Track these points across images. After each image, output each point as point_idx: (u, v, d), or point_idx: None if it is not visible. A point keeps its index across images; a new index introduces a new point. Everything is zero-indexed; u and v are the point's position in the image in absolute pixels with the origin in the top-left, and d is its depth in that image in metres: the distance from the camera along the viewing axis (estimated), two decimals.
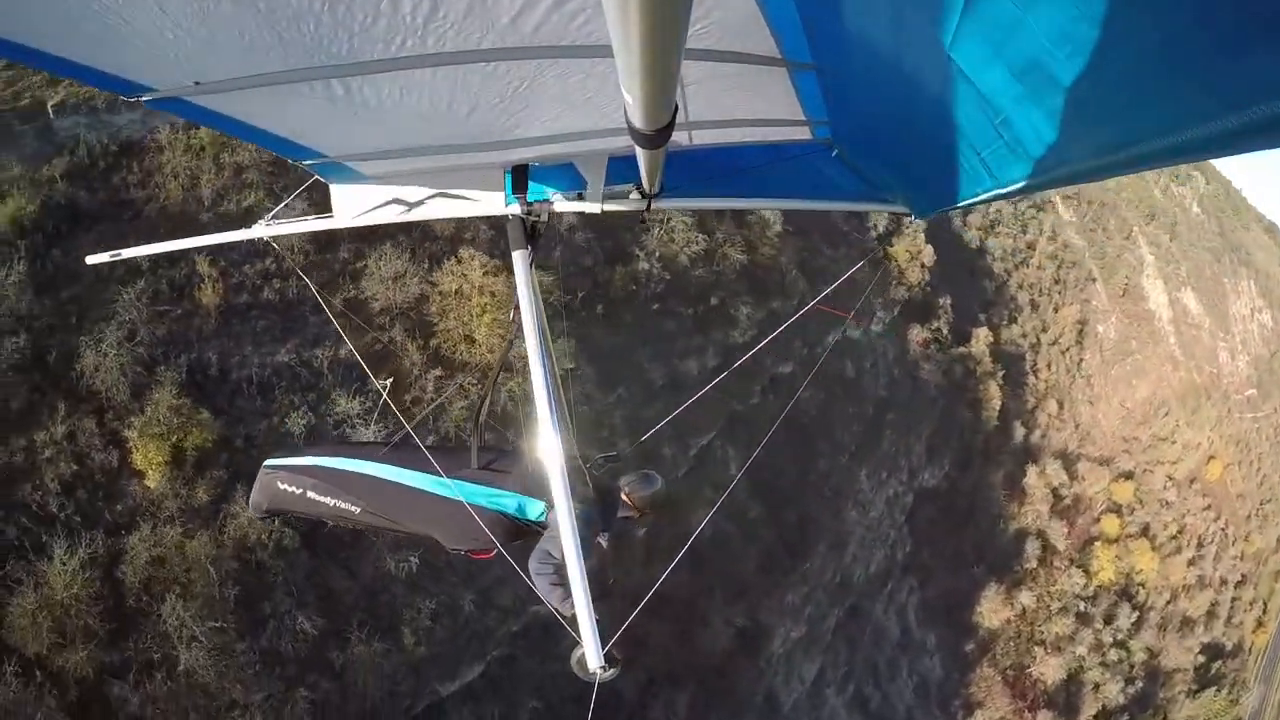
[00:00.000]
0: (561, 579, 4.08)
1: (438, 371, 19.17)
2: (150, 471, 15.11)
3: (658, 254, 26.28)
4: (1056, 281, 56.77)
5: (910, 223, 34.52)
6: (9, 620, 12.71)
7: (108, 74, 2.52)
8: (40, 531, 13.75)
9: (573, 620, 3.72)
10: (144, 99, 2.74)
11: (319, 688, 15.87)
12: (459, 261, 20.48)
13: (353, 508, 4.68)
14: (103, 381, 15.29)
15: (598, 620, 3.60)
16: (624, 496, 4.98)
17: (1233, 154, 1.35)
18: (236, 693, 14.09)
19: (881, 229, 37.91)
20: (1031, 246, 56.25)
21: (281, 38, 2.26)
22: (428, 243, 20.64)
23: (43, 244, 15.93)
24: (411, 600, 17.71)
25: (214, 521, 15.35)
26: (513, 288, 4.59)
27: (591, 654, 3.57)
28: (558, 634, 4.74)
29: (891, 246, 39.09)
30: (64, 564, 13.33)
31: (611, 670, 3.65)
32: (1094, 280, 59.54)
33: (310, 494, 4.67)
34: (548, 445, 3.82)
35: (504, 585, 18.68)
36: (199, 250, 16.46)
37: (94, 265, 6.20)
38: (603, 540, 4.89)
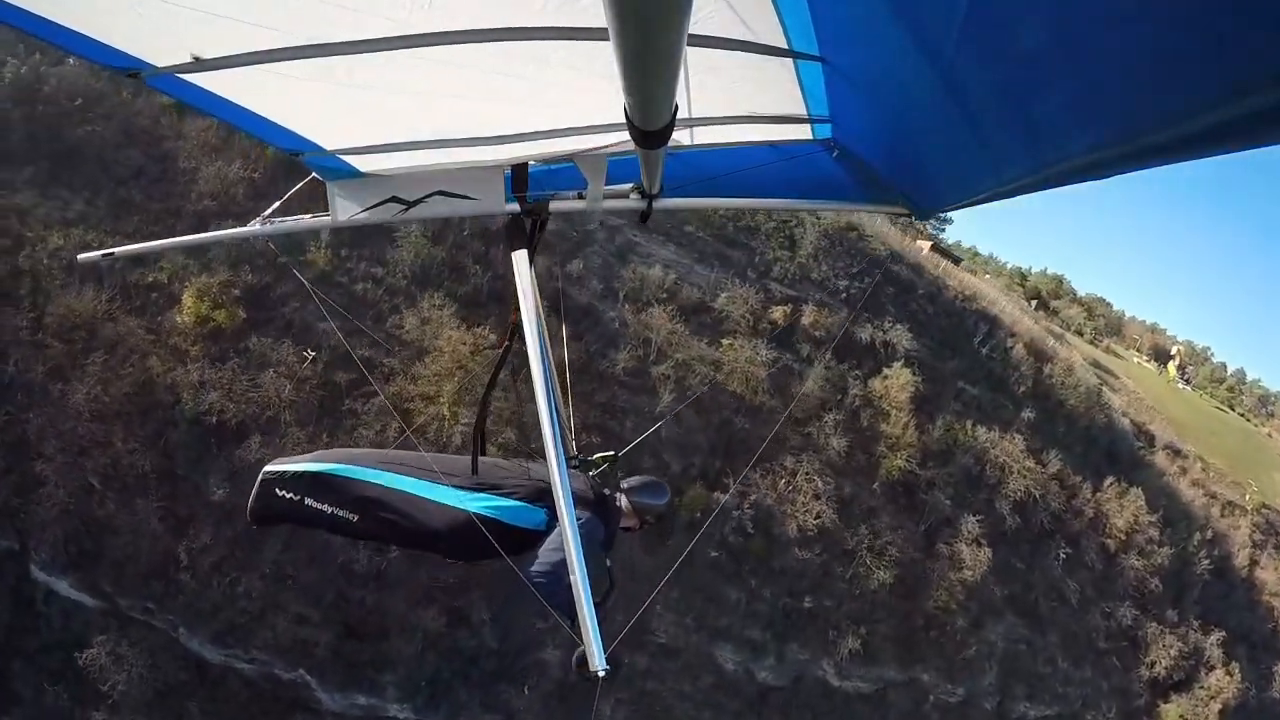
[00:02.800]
0: (564, 580, 3.90)
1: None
2: None
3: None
4: None
5: None
6: None
7: (105, 45, 2.39)
8: None
9: (574, 622, 3.75)
10: (142, 76, 2.62)
11: None
12: None
13: (351, 515, 4.49)
14: None
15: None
16: (625, 506, 4.82)
17: (1234, 149, 1.34)
18: None
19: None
20: None
21: (287, 10, 2.18)
22: None
23: None
24: None
25: None
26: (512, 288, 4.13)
27: (593, 655, 3.55)
28: None
29: None
30: None
31: (610, 672, 3.56)
32: None
33: (308, 501, 4.48)
34: (548, 449, 3.71)
35: None
36: None
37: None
38: (606, 559, 4.76)
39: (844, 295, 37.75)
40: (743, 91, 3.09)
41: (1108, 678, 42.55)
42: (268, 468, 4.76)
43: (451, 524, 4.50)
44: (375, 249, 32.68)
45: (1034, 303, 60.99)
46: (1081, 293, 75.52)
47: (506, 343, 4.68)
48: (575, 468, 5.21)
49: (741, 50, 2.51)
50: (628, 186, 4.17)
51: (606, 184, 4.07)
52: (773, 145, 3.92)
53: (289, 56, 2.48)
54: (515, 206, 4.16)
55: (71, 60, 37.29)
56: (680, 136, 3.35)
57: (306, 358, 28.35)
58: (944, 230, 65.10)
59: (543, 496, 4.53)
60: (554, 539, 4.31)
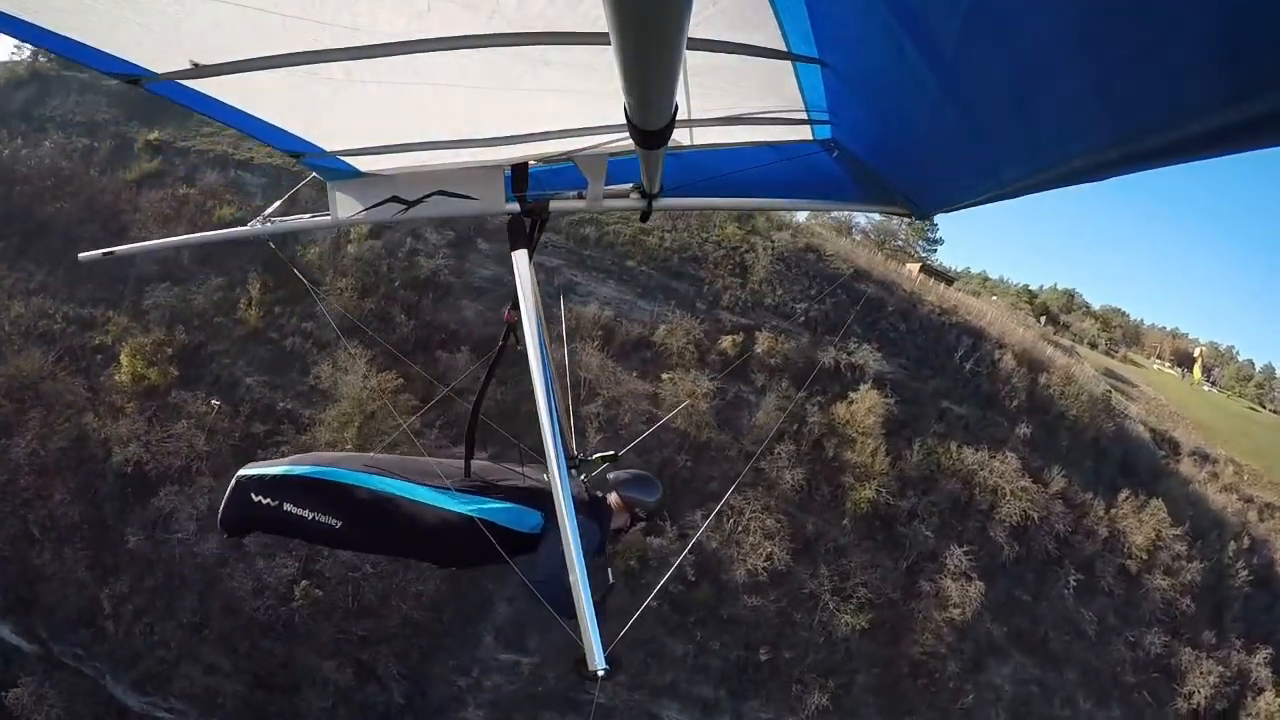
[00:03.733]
0: (564, 582, 3.64)
1: None
2: None
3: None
4: None
5: None
6: None
7: (106, 54, 2.37)
8: None
9: (574, 623, 3.60)
10: (143, 82, 2.61)
11: None
12: None
13: (334, 522, 4.05)
14: None
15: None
16: (614, 501, 4.58)
17: (1233, 151, 1.32)
18: None
19: None
20: None
21: (284, 20, 2.14)
22: None
23: None
24: None
25: None
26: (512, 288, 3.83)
27: (593, 656, 3.49)
28: None
29: None
30: None
31: (609, 673, 3.51)
32: None
33: (287, 507, 4.03)
34: (548, 449, 3.59)
35: None
36: None
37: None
38: (605, 557, 4.59)
39: (802, 319, 34.13)
40: (742, 93, 2.96)
41: (1139, 716, 37.32)
42: (242, 472, 4.26)
43: (442, 529, 4.09)
44: (306, 304, 31.68)
45: (1043, 319, 56.19)
46: (1096, 305, 71.04)
47: (501, 342, 4.30)
48: (574, 468, 4.92)
49: (740, 53, 2.43)
50: (628, 186, 3.92)
51: (606, 184, 3.84)
52: (772, 145, 3.72)
53: (288, 63, 2.43)
54: (515, 206, 3.90)
55: (48, 142, 37.68)
56: (680, 137, 3.16)
57: (212, 409, 28.84)
58: (935, 251, 61.32)
59: (536, 498, 4.22)
60: (554, 539, 3.90)
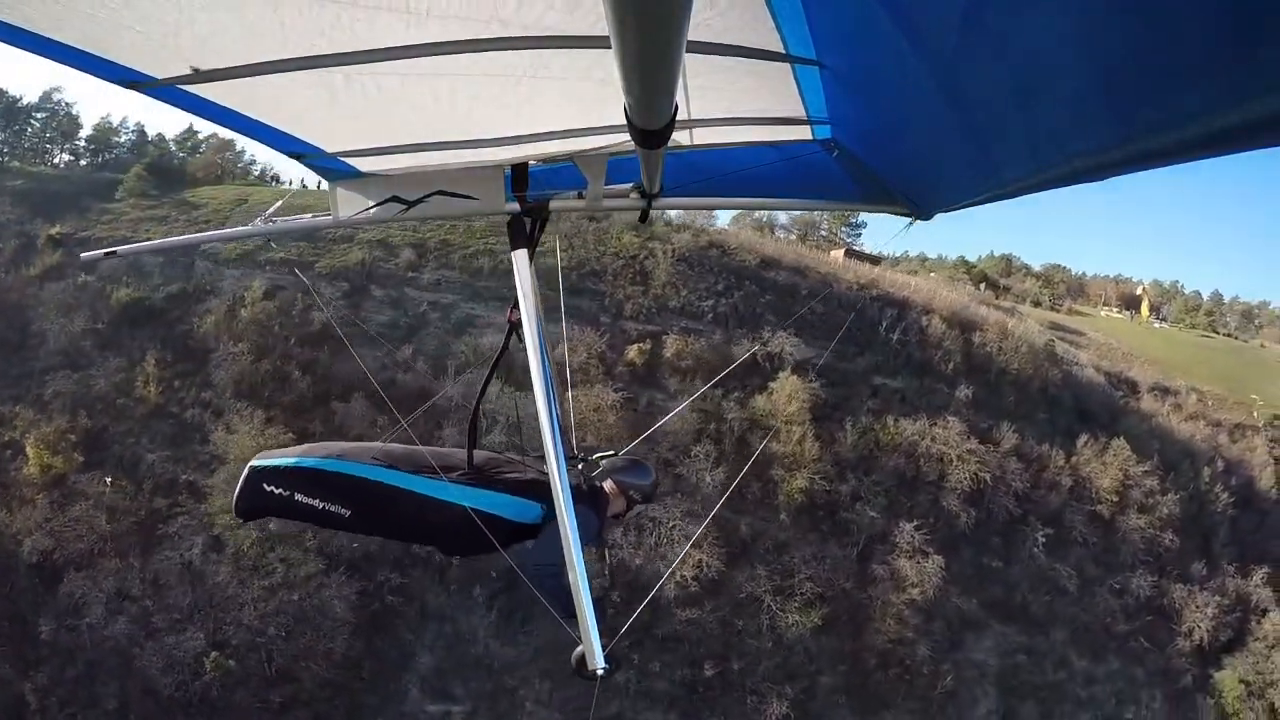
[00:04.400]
0: (562, 579, 3.68)
1: None
2: None
3: None
4: None
5: None
6: None
7: (105, 60, 2.32)
8: None
9: (573, 620, 3.57)
10: (143, 88, 2.54)
11: None
12: None
13: (343, 511, 4.09)
14: None
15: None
16: (610, 488, 4.48)
17: (1233, 151, 1.32)
18: None
19: None
20: None
21: (283, 23, 2.09)
22: None
23: None
24: None
25: None
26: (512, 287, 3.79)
27: (593, 654, 3.47)
28: None
29: None
30: None
31: (609, 671, 3.48)
32: None
33: (298, 496, 4.06)
34: (548, 446, 3.49)
35: None
36: None
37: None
38: (604, 555, 4.72)
39: (710, 316, 32.27)
40: (741, 94, 2.87)
41: (1140, 663, 34.79)
42: (254, 462, 4.25)
43: (445, 519, 4.10)
44: (203, 374, 30.78)
45: (982, 285, 54.43)
46: (1036, 266, 69.52)
47: (504, 342, 4.25)
48: (574, 463, 4.72)
49: (738, 55, 2.35)
50: (628, 186, 3.81)
51: (606, 184, 3.74)
52: (772, 145, 3.60)
53: (287, 68, 2.38)
54: (515, 206, 3.83)
55: None
56: (680, 137, 3.13)
57: (107, 486, 28.13)
58: (859, 235, 59.72)
59: (536, 489, 4.14)
60: (552, 535, 3.85)
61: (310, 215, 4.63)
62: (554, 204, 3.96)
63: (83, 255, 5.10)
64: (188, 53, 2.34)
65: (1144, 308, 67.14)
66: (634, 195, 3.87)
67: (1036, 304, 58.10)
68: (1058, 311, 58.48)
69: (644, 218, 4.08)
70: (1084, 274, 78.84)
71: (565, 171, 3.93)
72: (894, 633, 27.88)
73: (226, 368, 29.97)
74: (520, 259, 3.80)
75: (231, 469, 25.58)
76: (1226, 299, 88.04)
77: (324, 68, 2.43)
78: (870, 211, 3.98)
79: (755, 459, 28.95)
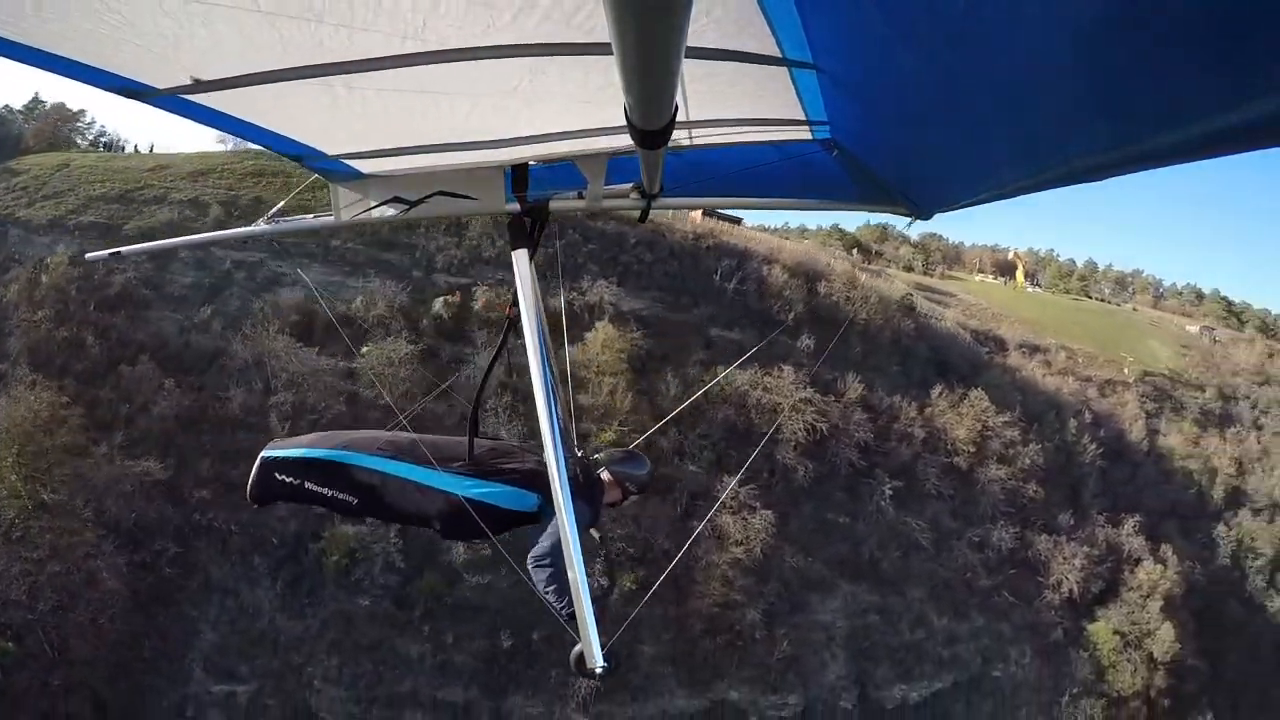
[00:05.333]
0: (559, 575, 3.75)
1: None
2: None
3: None
4: None
5: None
6: None
7: (106, 72, 2.29)
8: None
9: (571, 618, 3.54)
10: (144, 97, 2.52)
11: None
12: None
13: (350, 498, 4.26)
14: None
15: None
16: (607, 480, 4.37)
17: (1235, 151, 1.30)
18: None
19: None
20: None
21: (282, 36, 2.06)
22: None
23: None
24: None
25: None
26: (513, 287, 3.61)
27: (592, 653, 3.34)
28: None
29: None
30: None
31: (609, 669, 3.39)
32: None
33: (308, 485, 4.22)
34: (547, 446, 3.44)
35: None
36: None
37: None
38: (594, 533, 4.65)
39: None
40: (740, 97, 2.79)
41: (1006, 618, 32.07)
42: (265, 452, 4.29)
43: (445, 508, 4.13)
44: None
45: (854, 250, 52.31)
46: (914, 237, 68.22)
47: (502, 337, 4.14)
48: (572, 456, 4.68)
49: (735, 60, 2.29)
50: (628, 186, 3.68)
51: (606, 184, 3.63)
52: (772, 145, 3.48)
53: (287, 77, 2.37)
54: (515, 206, 3.73)
55: None
56: (679, 137, 3.02)
57: None
58: None
59: (535, 480, 4.11)
60: (551, 531, 3.96)
61: (313, 215, 4.51)
62: (554, 204, 3.78)
63: (87, 255, 5.05)
64: (188, 63, 2.31)
65: (1019, 274, 66.38)
66: (634, 195, 3.69)
67: (909, 269, 56.19)
68: (931, 276, 56.67)
69: (644, 218, 3.99)
70: (961, 243, 78.00)
71: (565, 171, 3.70)
72: (721, 596, 24.60)
73: (20, 336, 26.42)
74: (520, 259, 3.65)
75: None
76: (1101, 267, 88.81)
77: (323, 77, 2.40)
78: (870, 211, 3.83)
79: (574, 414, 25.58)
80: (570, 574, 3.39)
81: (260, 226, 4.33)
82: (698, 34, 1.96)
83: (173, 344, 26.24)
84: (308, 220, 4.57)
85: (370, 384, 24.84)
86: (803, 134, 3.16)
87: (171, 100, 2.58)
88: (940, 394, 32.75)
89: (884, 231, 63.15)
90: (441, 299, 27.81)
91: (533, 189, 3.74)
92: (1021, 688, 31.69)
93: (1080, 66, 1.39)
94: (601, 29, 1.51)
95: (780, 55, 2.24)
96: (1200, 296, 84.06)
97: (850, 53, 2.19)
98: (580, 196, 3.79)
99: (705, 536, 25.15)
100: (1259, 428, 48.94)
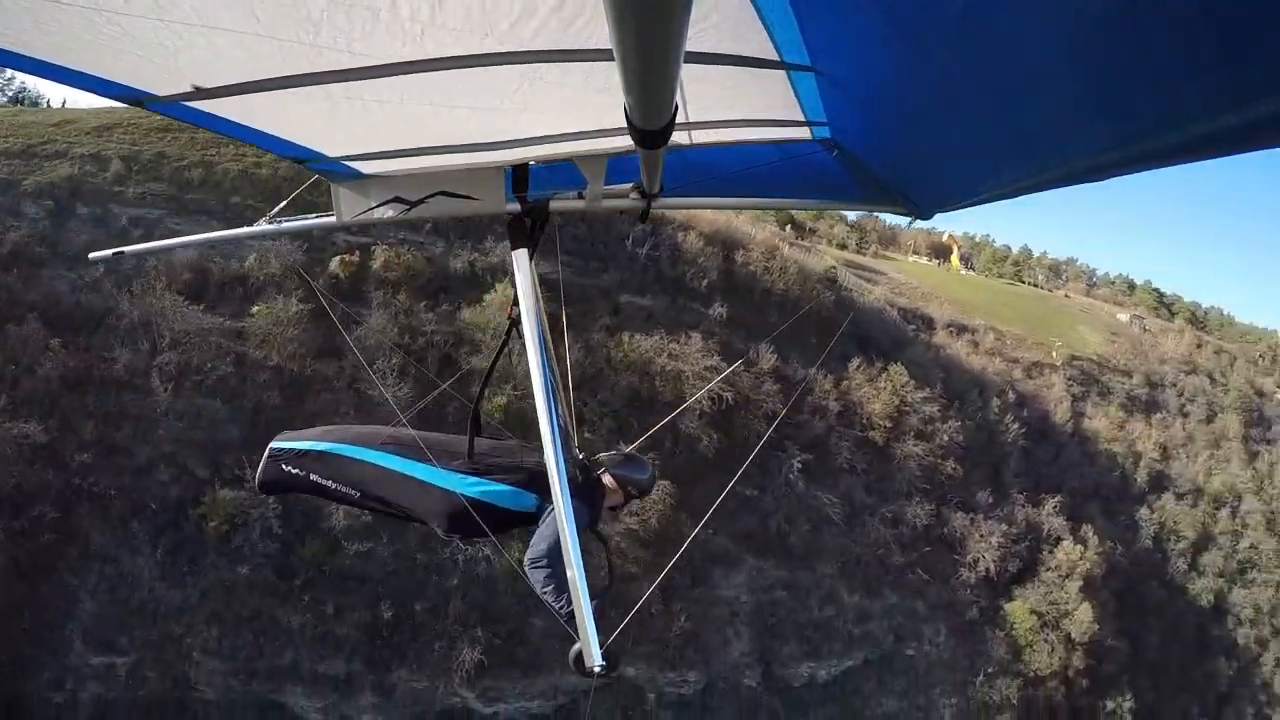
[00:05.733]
0: (557, 574, 3.81)
1: None
2: None
3: None
4: None
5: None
6: None
7: (107, 81, 2.33)
8: None
9: (570, 618, 3.55)
10: (145, 104, 2.56)
11: None
12: None
13: (353, 491, 4.35)
14: None
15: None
16: (608, 483, 4.46)
17: (1236, 152, 1.28)
18: None
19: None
20: None
21: (281, 46, 2.09)
22: None
23: None
24: None
25: None
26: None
27: (591, 652, 3.39)
28: None
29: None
30: None
31: (608, 668, 3.46)
32: None
33: (313, 477, 4.34)
34: (547, 446, 3.50)
35: None
36: None
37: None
38: (601, 528, 4.69)
39: (428, 226, 27.32)
40: (739, 99, 2.84)
41: (921, 596, 31.15)
42: (274, 444, 4.43)
43: (445, 506, 4.18)
44: None
45: (788, 227, 51.34)
46: (851, 217, 68.02)
47: (504, 337, 4.25)
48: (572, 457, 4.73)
49: (733, 64, 2.30)
50: (628, 186, 3.71)
51: (606, 184, 3.64)
52: (772, 145, 3.48)
53: (286, 84, 2.38)
54: (516, 206, 3.76)
55: None
56: (679, 138, 2.97)
57: None
58: None
59: (534, 480, 4.14)
60: (548, 531, 3.95)
61: (314, 215, 4.50)
62: (554, 204, 3.82)
63: (91, 255, 5.07)
64: (188, 72, 2.30)
65: (954, 258, 66.42)
66: (634, 195, 3.72)
67: (843, 247, 55.39)
68: (864, 255, 56.00)
69: (644, 217, 3.96)
70: (897, 225, 78.50)
71: (565, 171, 3.72)
72: (615, 569, 23.09)
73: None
74: (520, 259, 3.70)
75: None
76: (1036, 254, 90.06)
77: (323, 84, 2.37)
78: (871, 211, 3.21)
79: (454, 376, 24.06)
80: (569, 573, 3.38)
81: (261, 227, 4.34)
82: (696, 38, 1.93)
83: (64, 303, 24.49)
84: (309, 220, 4.54)
85: (259, 344, 23.32)
86: (802, 134, 3.11)
87: (172, 107, 2.56)
88: (858, 367, 31.68)
89: (819, 213, 62.40)
90: (339, 258, 26.18)
91: (533, 189, 3.72)
92: (935, 666, 30.79)
93: (1080, 66, 1.35)
94: (599, 35, 1.72)
95: (778, 59, 2.23)
96: (1132, 287, 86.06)
97: (848, 55, 2.15)
98: (580, 196, 3.77)
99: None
100: (1185, 415, 49.08)
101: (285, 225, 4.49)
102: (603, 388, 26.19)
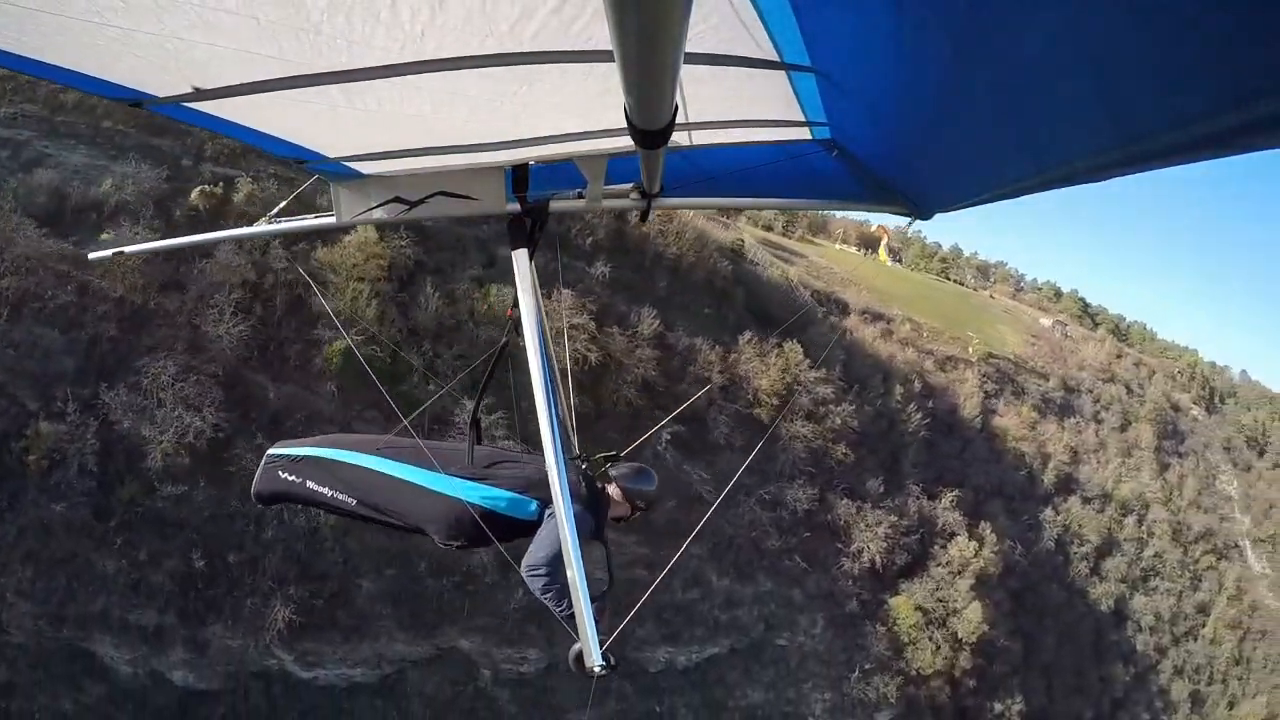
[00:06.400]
0: (557, 578, 3.75)
1: None
2: None
3: None
4: (1238, 662, 45.08)
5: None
6: None
7: (107, 82, 2.34)
8: None
9: (571, 620, 3.57)
10: (145, 105, 2.56)
11: None
12: None
13: (349, 499, 4.21)
14: None
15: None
16: (615, 494, 4.38)
17: (1234, 153, 1.28)
18: None
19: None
20: (1204, 610, 44.24)
21: (281, 48, 2.05)
22: None
23: None
24: None
25: None
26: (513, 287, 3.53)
27: (590, 653, 3.40)
28: None
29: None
30: None
31: (608, 668, 3.47)
32: None
33: (310, 484, 4.24)
34: (547, 446, 3.43)
35: None
36: None
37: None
38: (606, 554, 4.53)
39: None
40: (739, 100, 2.77)
41: (798, 584, 29.38)
42: (271, 451, 4.39)
43: (444, 512, 4.06)
44: None
45: (743, 218, 49.71)
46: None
47: (504, 338, 4.20)
48: (574, 461, 4.63)
49: (733, 65, 2.24)
50: (628, 186, 3.69)
51: (606, 184, 3.58)
52: (772, 145, 3.39)
53: (286, 86, 2.34)
54: (516, 206, 3.68)
55: None
56: (679, 138, 2.92)
57: None
58: None
59: (535, 487, 4.07)
60: (547, 535, 3.92)
61: (314, 215, 4.49)
62: (554, 204, 3.79)
63: (90, 255, 5.05)
64: (188, 73, 2.30)
65: (882, 250, 65.54)
66: (634, 195, 3.71)
67: (768, 228, 53.77)
68: (789, 238, 54.43)
69: (644, 217, 3.97)
70: (830, 215, 77.42)
71: (566, 170, 3.66)
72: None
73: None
74: (521, 258, 3.64)
75: None
76: (966, 254, 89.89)
77: (323, 85, 2.36)
78: (872, 211, 3.65)
79: (301, 316, 21.76)
80: (569, 573, 3.37)
81: (261, 227, 4.33)
82: (696, 39, 1.90)
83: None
84: (309, 220, 4.50)
85: (103, 274, 21.34)
86: (802, 134, 3.09)
87: (172, 108, 2.57)
88: (749, 341, 29.73)
89: None
90: (200, 189, 24.13)
91: (533, 189, 3.66)
92: (809, 659, 29.11)
93: (1082, 66, 1.36)
94: (599, 36, 1.66)
95: (778, 59, 2.19)
96: (1059, 294, 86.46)
97: (849, 55, 2.12)
98: (580, 196, 3.74)
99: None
100: (1099, 421, 48.43)
101: (284, 225, 4.38)
102: (461, 339, 23.96)
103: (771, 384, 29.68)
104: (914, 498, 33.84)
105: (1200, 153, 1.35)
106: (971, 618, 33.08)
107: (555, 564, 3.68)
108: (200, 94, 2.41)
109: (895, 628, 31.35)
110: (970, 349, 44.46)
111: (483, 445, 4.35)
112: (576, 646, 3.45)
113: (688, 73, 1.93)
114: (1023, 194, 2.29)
